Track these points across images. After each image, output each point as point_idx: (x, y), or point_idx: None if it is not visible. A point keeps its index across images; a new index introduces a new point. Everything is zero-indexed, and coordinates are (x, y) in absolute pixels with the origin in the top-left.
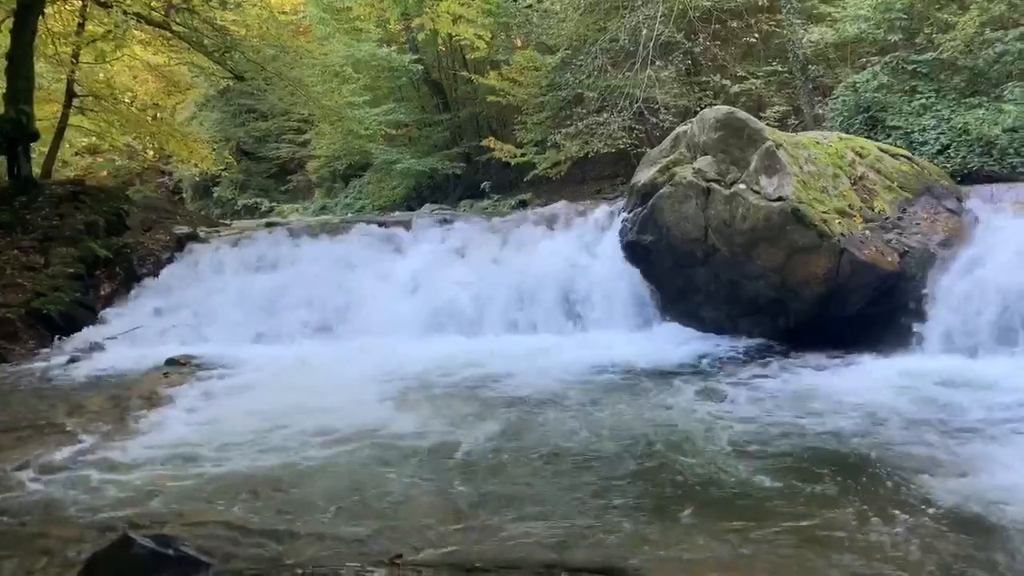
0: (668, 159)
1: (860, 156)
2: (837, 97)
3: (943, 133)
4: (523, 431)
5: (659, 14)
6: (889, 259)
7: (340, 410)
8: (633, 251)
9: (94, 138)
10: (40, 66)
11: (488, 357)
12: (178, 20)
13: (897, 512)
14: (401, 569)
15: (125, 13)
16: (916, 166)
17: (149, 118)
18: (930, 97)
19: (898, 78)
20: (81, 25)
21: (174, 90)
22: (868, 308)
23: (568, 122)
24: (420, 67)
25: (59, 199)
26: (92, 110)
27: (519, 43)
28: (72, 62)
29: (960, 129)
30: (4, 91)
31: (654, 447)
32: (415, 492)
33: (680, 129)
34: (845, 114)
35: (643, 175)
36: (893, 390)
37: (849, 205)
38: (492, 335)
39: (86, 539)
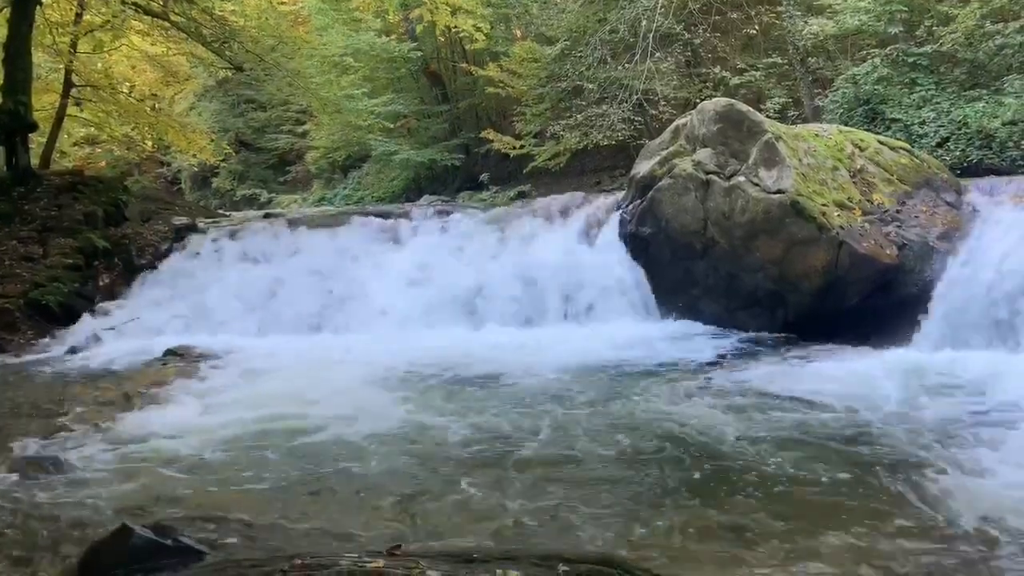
0: (667, 151)
1: (859, 149)
2: (837, 89)
3: (943, 126)
4: (521, 425)
5: (659, 5)
6: (888, 252)
7: (338, 402)
8: (632, 243)
9: (92, 128)
10: (38, 56)
11: (486, 350)
12: (176, 10)
13: (900, 513)
14: (399, 559)
15: (123, 3)
16: (915, 159)
17: (147, 108)
18: (930, 90)
19: (898, 70)
20: (79, 15)
21: (172, 80)
22: (867, 301)
23: (567, 114)
24: (419, 54)
25: (57, 190)
26: (90, 100)
27: (518, 34)
28: (70, 52)
29: (960, 122)
30: (2, 82)
31: (652, 440)
32: (413, 484)
33: (680, 121)
34: (845, 106)
35: (642, 167)
36: (893, 384)
37: (848, 198)
38: (490, 328)
39: (84, 529)
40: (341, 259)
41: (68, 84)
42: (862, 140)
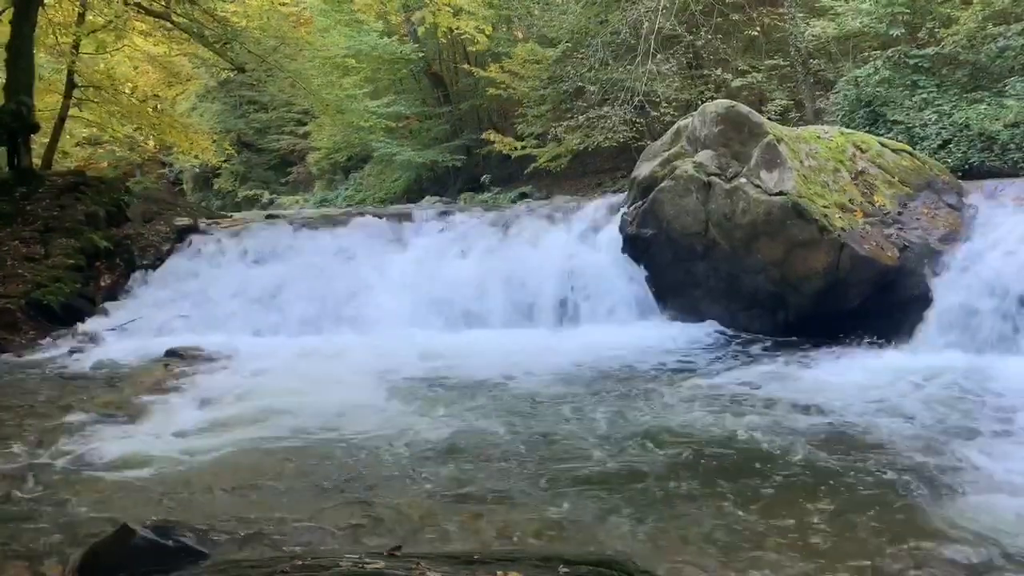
0: (669, 153)
1: (861, 151)
2: (838, 91)
3: (944, 128)
4: (523, 426)
5: (661, 7)
6: (889, 254)
7: (339, 402)
8: (633, 245)
9: (94, 129)
10: (40, 57)
11: (488, 351)
12: (178, 11)
13: (906, 525)
14: (399, 560)
15: (126, 3)
16: (917, 161)
17: (150, 109)
18: (931, 92)
19: (900, 72)
20: (81, 15)
21: (175, 81)
22: (868, 303)
23: (569, 115)
24: (421, 55)
25: (59, 190)
26: (92, 101)
27: (520, 36)
28: (72, 52)
29: (961, 124)
30: (4, 82)
31: (654, 442)
32: (414, 486)
33: (681, 123)
34: (846, 108)
35: (644, 169)
36: (892, 386)
37: (850, 200)
38: (492, 328)
39: (85, 530)
40: (343, 260)
41: (70, 85)
42: (864, 142)
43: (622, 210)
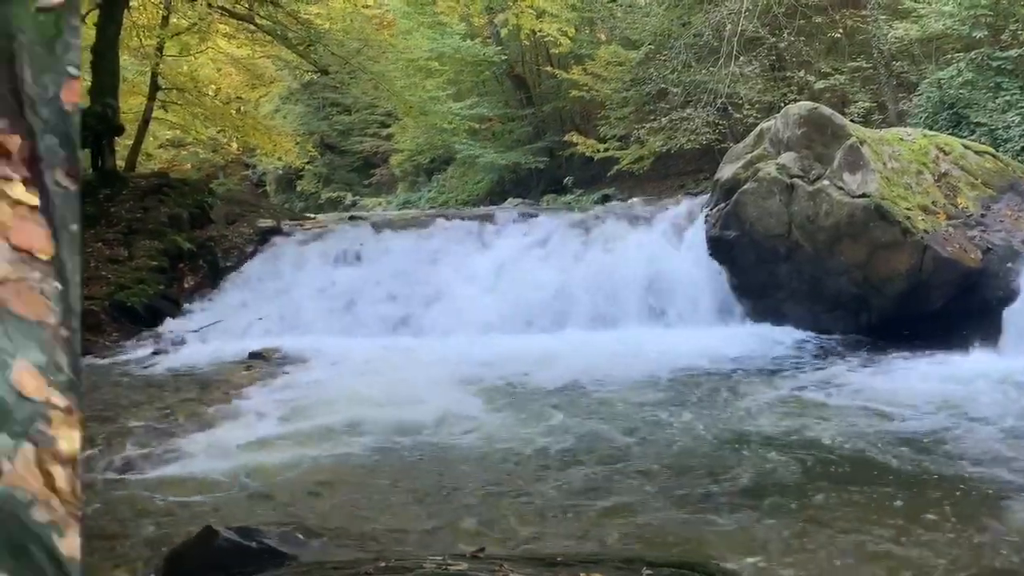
0: (751, 155)
1: (944, 153)
2: (921, 93)
3: None
4: (608, 429)
5: (744, 9)
6: (972, 256)
7: (422, 405)
8: (716, 246)
9: (178, 131)
10: (125, 59)
11: (572, 354)
12: (262, 13)
13: (992, 545)
14: (483, 562)
15: (210, 6)
16: (1000, 163)
17: (233, 111)
18: (1015, 94)
19: (983, 75)
20: (165, 18)
21: (258, 83)
22: (951, 304)
23: (651, 117)
24: (504, 57)
25: (143, 192)
26: (176, 103)
27: (603, 38)
28: (156, 55)
29: None
30: (89, 84)
31: (743, 446)
32: (497, 489)
33: (764, 125)
34: (929, 111)
35: (726, 171)
36: (979, 390)
37: (932, 202)
38: (576, 331)
39: (167, 532)
40: (425, 261)
41: (154, 87)
42: (947, 144)
43: (704, 212)
